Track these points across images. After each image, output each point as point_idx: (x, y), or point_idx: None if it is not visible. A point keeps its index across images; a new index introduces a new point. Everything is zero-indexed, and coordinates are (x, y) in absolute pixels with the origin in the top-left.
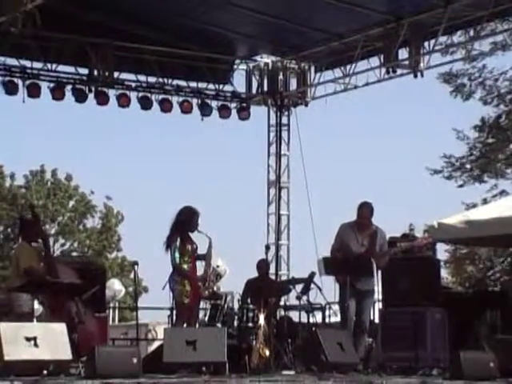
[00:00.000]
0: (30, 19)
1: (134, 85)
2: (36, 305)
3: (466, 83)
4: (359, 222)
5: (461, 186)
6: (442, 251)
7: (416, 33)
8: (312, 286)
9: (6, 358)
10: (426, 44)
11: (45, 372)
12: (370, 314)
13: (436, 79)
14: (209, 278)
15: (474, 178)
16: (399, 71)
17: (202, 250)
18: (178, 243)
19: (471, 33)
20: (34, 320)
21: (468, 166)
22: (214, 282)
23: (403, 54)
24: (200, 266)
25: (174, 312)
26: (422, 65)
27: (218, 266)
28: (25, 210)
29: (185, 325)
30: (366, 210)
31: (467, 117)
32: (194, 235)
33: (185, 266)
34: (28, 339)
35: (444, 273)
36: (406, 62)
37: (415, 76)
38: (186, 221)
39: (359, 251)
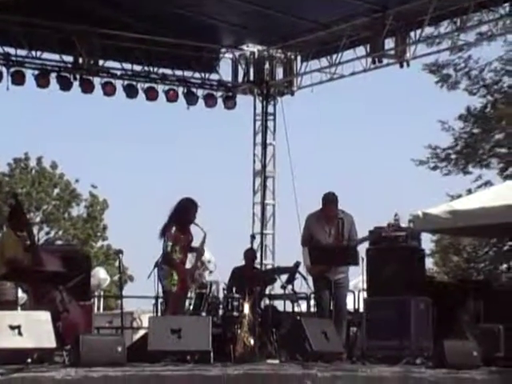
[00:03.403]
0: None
1: (119, 73)
2: (20, 293)
3: (451, 74)
4: (325, 213)
5: (446, 174)
6: (427, 241)
7: (402, 23)
8: (297, 275)
9: None
10: (411, 34)
11: (29, 360)
12: (346, 300)
13: (422, 70)
14: (197, 272)
15: (459, 168)
16: (385, 61)
17: (196, 243)
18: (172, 232)
19: (457, 23)
20: (18, 308)
21: (453, 157)
22: (201, 276)
23: (389, 43)
24: (191, 258)
25: (162, 301)
26: (408, 55)
27: (209, 262)
28: (9, 198)
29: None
30: (330, 202)
31: (453, 108)
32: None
33: (175, 256)
34: (12, 328)
35: (429, 263)
36: (392, 52)
37: (401, 66)
38: (183, 211)
39: (327, 241)
